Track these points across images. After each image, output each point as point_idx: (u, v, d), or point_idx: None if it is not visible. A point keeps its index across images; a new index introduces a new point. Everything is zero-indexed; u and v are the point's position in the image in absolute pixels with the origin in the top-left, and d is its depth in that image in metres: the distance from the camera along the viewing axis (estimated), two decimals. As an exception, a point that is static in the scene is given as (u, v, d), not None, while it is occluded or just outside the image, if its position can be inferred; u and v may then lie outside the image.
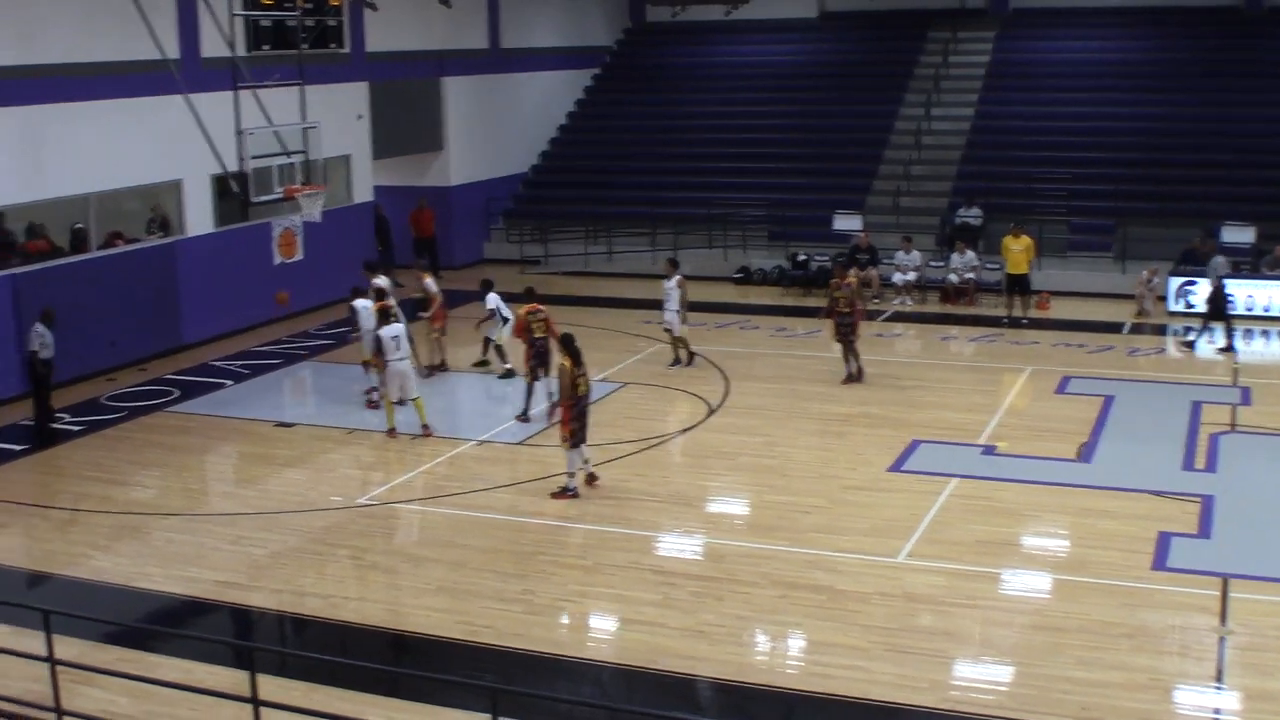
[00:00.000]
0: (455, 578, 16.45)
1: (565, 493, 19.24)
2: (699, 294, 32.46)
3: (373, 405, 23.83)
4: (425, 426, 22.36)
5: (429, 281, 26.55)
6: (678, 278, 26.00)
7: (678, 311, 25.90)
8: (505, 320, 25.25)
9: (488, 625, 15.04)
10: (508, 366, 25.55)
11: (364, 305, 24.16)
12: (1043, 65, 40.74)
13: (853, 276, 25.20)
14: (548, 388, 22.82)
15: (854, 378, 24.68)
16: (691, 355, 26.46)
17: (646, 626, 14.95)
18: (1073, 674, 13.44)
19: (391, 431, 22.37)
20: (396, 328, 22.47)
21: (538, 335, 22.88)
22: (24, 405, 23.99)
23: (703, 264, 36.18)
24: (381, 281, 25.62)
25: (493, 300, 25.43)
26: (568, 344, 19.37)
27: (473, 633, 14.88)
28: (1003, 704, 13.05)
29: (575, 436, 19.23)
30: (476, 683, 12.67)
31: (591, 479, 19.64)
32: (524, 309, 23.27)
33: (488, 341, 26.21)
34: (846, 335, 24.63)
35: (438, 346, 26.48)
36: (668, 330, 26.36)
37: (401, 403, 22.59)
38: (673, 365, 26.29)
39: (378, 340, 22.38)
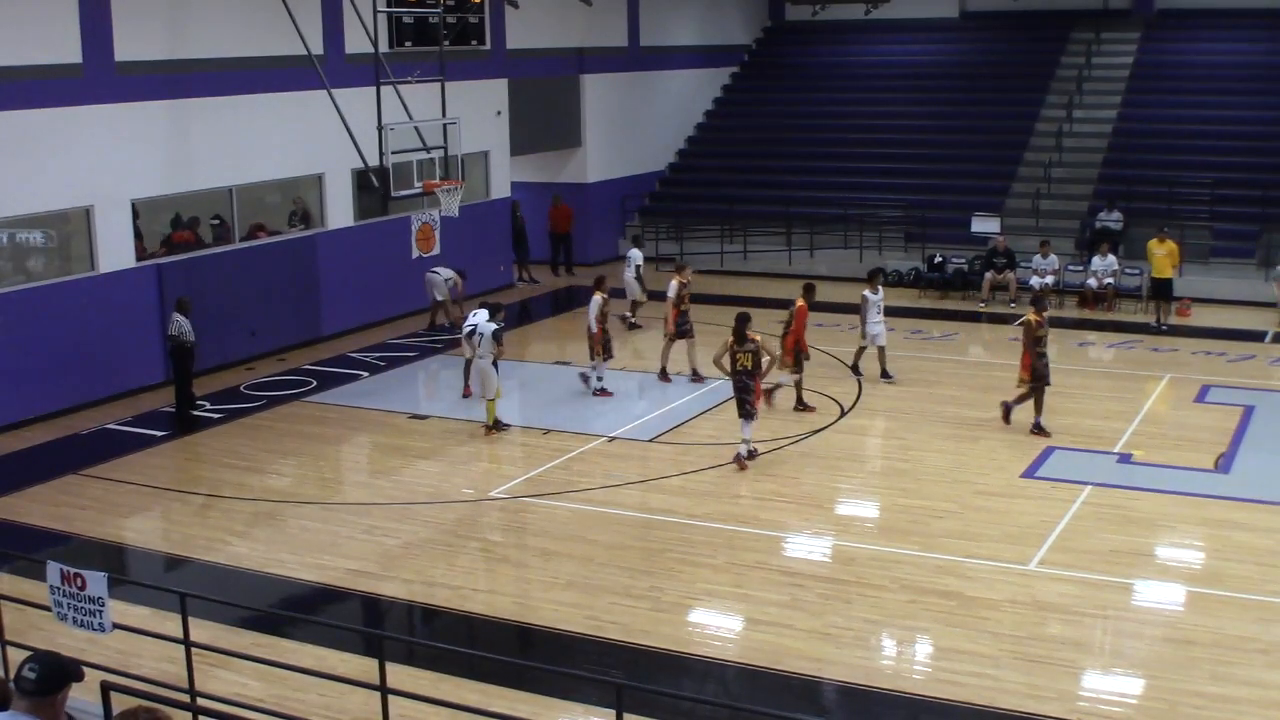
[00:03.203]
0: (583, 573, 16.55)
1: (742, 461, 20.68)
2: (834, 295, 32.38)
3: (602, 393, 24.58)
4: (488, 427, 22.66)
5: (672, 283, 26.07)
6: (882, 290, 25.46)
7: (882, 321, 25.26)
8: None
9: (614, 621, 15.11)
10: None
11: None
12: (1187, 67, 40.07)
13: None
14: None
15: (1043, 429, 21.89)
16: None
17: (773, 627, 14.94)
18: (1204, 689, 13.21)
19: (488, 428, 22.65)
20: (470, 326, 23.13)
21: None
22: (168, 392, 24.49)
23: (838, 264, 36.05)
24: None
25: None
26: (736, 322, 20.76)
27: (599, 628, 14.96)
28: (1131, 717, 12.88)
29: (739, 408, 20.66)
30: (603, 678, 12.74)
31: (739, 457, 20.60)
32: (798, 304, 23.43)
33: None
34: (1046, 379, 22.07)
35: (667, 351, 26.01)
36: (871, 344, 25.36)
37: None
38: (885, 378, 25.23)
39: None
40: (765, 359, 20.88)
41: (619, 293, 29.20)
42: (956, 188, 37.64)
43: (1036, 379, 21.74)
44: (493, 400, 22.59)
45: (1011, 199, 36.97)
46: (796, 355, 23.19)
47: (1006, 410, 22.13)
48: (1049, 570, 16.28)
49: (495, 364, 22.57)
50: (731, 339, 20.76)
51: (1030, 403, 21.92)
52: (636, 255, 30.65)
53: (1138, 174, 35.73)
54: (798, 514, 18.66)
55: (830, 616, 15.15)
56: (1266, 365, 26.49)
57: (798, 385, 23.45)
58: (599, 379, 24.67)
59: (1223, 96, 38.10)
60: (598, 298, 24.66)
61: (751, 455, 20.72)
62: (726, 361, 20.90)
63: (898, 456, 21.10)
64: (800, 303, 23.37)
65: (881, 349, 25.26)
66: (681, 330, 25.62)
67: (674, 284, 25.86)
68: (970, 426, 22.40)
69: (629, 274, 30.41)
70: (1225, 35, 40.90)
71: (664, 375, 25.64)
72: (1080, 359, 27.75)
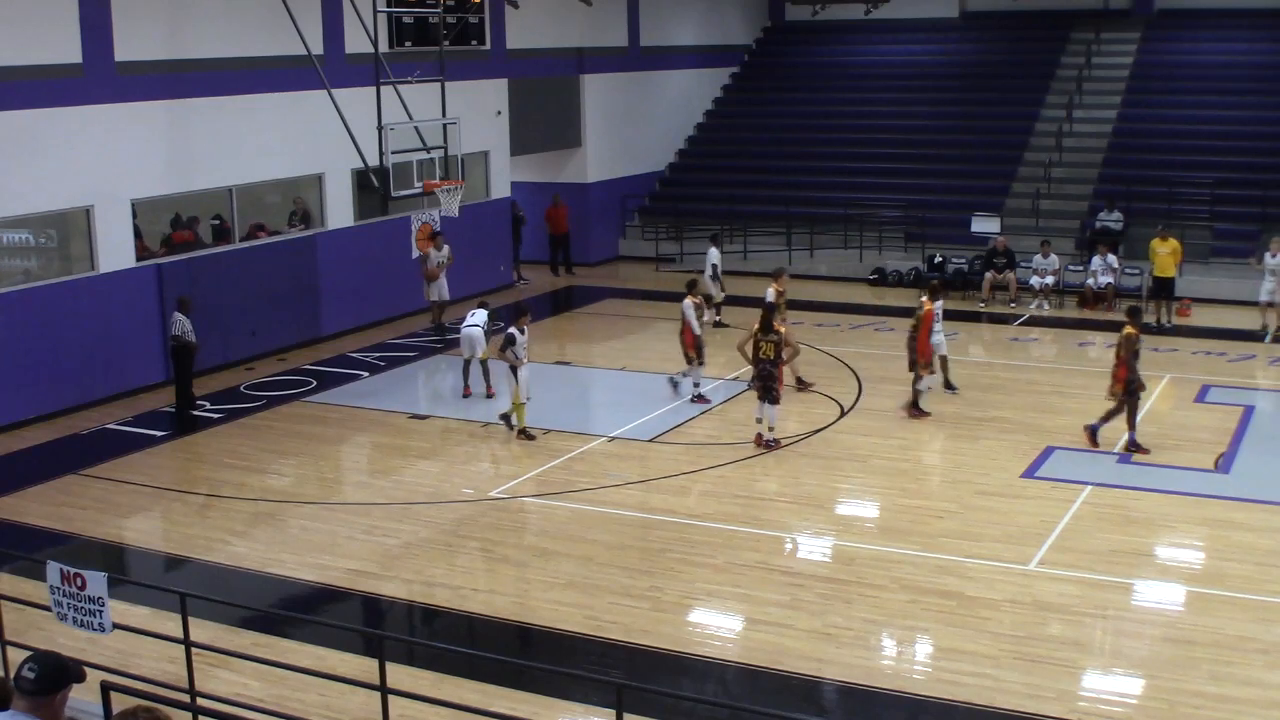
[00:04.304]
0: (583, 573, 16.55)
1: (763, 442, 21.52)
2: (834, 295, 32.43)
3: (700, 399, 24.13)
4: (507, 422, 22.57)
5: (770, 291, 24.97)
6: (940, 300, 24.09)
7: (941, 330, 23.90)
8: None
9: (614, 621, 15.11)
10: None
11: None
12: (1187, 67, 40.03)
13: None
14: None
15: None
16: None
17: (773, 627, 14.94)
18: (1204, 689, 13.22)
19: (521, 432, 22.35)
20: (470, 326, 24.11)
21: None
22: (168, 392, 24.50)
23: (838, 265, 36.07)
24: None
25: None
26: (763, 310, 21.95)
27: (599, 628, 14.96)
28: (1131, 717, 12.89)
29: (762, 394, 21.39)
30: (603, 678, 12.76)
31: (762, 440, 21.42)
32: (926, 308, 23.01)
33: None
34: (1143, 386, 21.18)
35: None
36: (943, 356, 24.01)
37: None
38: (949, 390, 24.14)
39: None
40: (787, 350, 21.52)
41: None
42: (956, 188, 37.63)
43: (1132, 391, 20.84)
44: (518, 404, 22.24)
45: (1011, 199, 36.95)
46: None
47: (1092, 433, 21.14)
48: (1049, 570, 16.28)
49: (485, 364, 22.99)
50: (757, 327, 21.44)
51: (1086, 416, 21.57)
52: (714, 254, 30.48)
53: (1138, 174, 35.70)
54: (797, 514, 18.66)
55: (830, 616, 15.15)
56: (1266, 365, 26.49)
57: (915, 390, 23.05)
58: (695, 384, 24.23)
59: (1223, 96, 38.08)
60: (689, 301, 24.17)
61: (771, 446, 21.21)
62: (749, 349, 21.55)
63: (897, 456, 21.09)
64: (928, 306, 23.03)
65: (943, 358, 24.14)
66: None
67: (771, 291, 24.90)
68: (970, 426, 22.39)
69: (706, 274, 30.00)
70: (1225, 35, 40.85)
71: (801, 384, 24.64)
72: (1080, 359, 27.69)
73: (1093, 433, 21.18)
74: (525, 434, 22.16)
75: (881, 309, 32.13)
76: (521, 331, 22.17)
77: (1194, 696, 13.08)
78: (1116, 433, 21.58)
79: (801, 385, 24.58)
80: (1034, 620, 14.92)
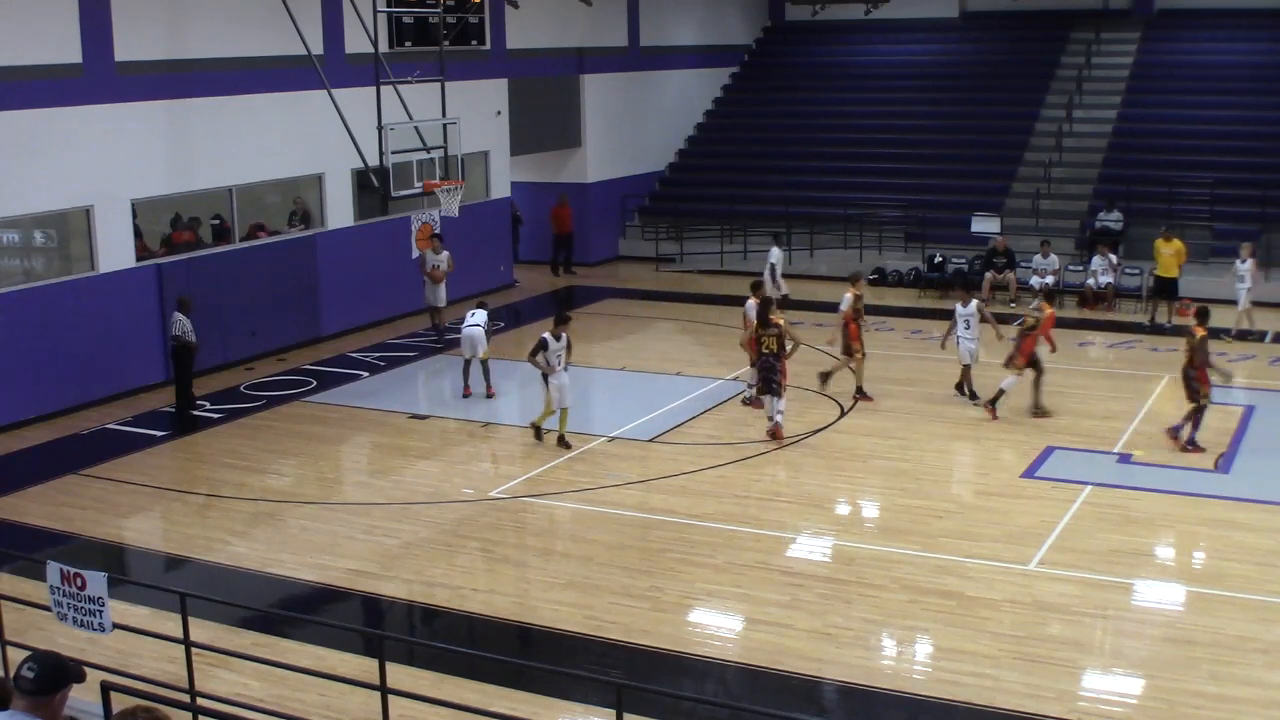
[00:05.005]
0: (583, 573, 16.54)
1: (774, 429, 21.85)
2: (834, 295, 32.28)
3: (750, 403, 23.56)
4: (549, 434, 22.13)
5: (846, 296, 24.43)
6: (976, 302, 24.12)
7: (974, 338, 23.82)
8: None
9: (614, 621, 15.11)
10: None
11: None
12: (1187, 67, 40.04)
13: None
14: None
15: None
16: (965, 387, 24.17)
17: (773, 627, 14.93)
18: (1204, 689, 13.21)
19: (535, 429, 22.05)
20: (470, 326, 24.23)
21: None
22: (168, 392, 24.49)
23: (838, 264, 36.00)
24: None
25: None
26: (760, 307, 22.55)
27: (599, 628, 14.95)
28: (1131, 717, 12.89)
29: (765, 387, 21.87)
30: (603, 678, 12.75)
31: (772, 432, 21.73)
32: (1049, 312, 23.41)
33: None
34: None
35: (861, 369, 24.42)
36: (966, 365, 23.93)
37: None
38: (973, 400, 23.74)
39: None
40: (789, 343, 21.88)
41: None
42: (957, 187, 37.63)
43: (1197, 398, 20.82)
44: (549, 410, 21.79)
45: (1011, 199, 36.95)
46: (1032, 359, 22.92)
47: (1191, 442, 20.85)
48: (1049, 570, 16.27)
49: (485, 363, 23.66)
50: (756, 323, 22.02)
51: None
52: (775, 254, 30.58)
53: (1138, 174, 35.70)
54: (798, 514, 18.65)
55: (830, 616, 15.15)
56: (1266, 365, 26.48)
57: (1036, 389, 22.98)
58: (750, 386, 23.60)
59: (1223, 96, 38.07)
60: (753, 303, 23.63)
61: (775, 432, 21.63)
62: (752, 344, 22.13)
63: (897, 456, 21.08)
64: (1049, 311, 23.44)
65: (966, 367, 23.99)
66: (849, 347, 24.21)
67: (848, 297, 24.26)
68: (970, 426, 22.40)
69: (766, 273, 29.91)
70: (1225, 35, 40.86)
71: (861, 394, 24.17)
72: (1080, 359, 27.68)
73: (1191, 442, 20.84)
74: (537, 431, 21.94)
75: (882, 309, 32.06)
76: (558, 339, 21.57)
77: (1194, 696, 13.07)
78: (1115, 431, 21.63)
79: (822, 381, 24.40)
80: (1034, 620, 14.92)
